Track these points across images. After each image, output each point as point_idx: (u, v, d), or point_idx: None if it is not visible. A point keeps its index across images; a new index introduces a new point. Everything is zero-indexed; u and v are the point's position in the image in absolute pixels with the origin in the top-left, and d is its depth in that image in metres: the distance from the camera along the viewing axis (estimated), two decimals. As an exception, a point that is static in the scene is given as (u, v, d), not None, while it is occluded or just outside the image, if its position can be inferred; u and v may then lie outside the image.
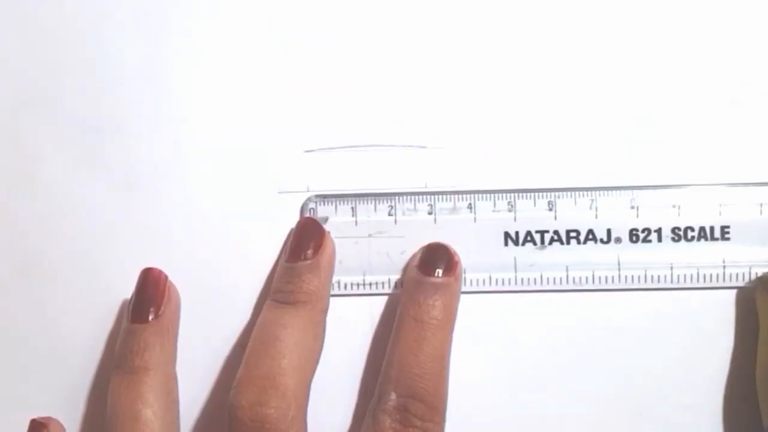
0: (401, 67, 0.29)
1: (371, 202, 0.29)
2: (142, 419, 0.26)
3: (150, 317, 0.27)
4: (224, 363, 0.30)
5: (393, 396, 0.26)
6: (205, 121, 0.30)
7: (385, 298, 0.29)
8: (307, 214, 0.29)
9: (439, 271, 0.28)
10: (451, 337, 0.27)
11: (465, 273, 0.29)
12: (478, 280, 0.29)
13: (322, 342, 0.28)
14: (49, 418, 0.29)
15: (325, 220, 0.29)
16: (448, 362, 0.27)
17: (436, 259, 0.28)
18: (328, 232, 0.29)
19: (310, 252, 0.28)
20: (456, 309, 0.28)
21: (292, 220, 0.29)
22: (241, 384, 0.26)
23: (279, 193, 0.30)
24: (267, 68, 0.30)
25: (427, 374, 0.26)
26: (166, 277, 0.29)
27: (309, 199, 0.29)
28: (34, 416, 0.29)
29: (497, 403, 0.29)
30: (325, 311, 0.28)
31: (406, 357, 0.26)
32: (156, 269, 0.29)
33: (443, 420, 0.26)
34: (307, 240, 0.28)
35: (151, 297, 0.28)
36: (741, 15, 0.29)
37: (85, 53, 0.30)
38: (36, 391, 0.30)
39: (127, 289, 0.29)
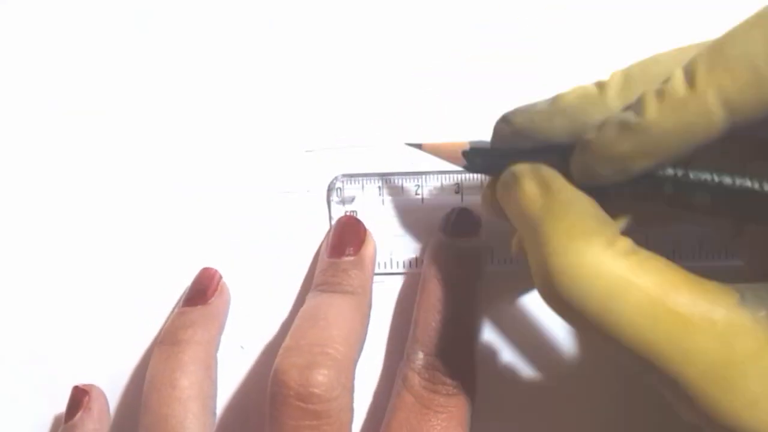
0: (401, 67, 0.29)
1: (398, 181, 0.29)
2: (178, 387, 0.26)
3: (200, 303, 0.28)
4: (225, 364, 0.29)
5: (420, 355, 0.26)
6: (205, 121, 0.30)
7: (411, 276, 0.29)
8: (335, 194, 0.29)
9: (463, 233, 0.28)
10: (478, 299, 0.27)
11: (493, 253, 0.29)
12: (507, 259, 0.29)
13: (366, 333, 0.27)
14: (91, 385, 0.29)
15: (352, 199, 0.29)
16: (475, 321, 0.27)
17: (459, 220, 0.28)
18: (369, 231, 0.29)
19: (352, 249, 0.28)
20: (480, 270, 0.28)
21: (292, 220, 0.29)
22: (289, 349, 0.25)
23: (279, 193, 0.30)
24: (267, 68, 0.30)
25: (452, 331, 0.26)
26: (220, 276, 0.29)
27: (336, 179, 0.29)
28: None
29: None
30: (370, 306, 0.28)
31: (431, 315, 0.27)
32: (212, 268, 0.29)
33: (474, 377, 0.26)
34: (349, 236, 0.28)
35: (204, 287, 0.29)
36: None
37: (85, 52, 0.30)
38: (36, 390, 0.30)
39: (127, 288, 0.30)
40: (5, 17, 0.30)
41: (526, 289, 0.29)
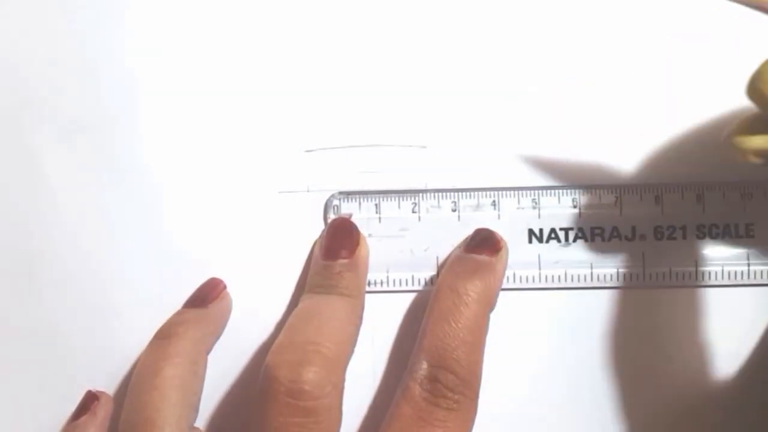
0: (401, 67, 0.30)
1: (395, 199, 0.29)
2: (161, 376, 0.26)
3: (199, 306, 0.29)
4: (225, 365, 0.29)
5: (424, 365, 0.26)
6: (205, 120, 0.30)
7: (409, 295, 0.29)
8: (331, 211, 0.29)
9: (482, 249, 0.28)
10: (488, 316, 0.27)
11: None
12: (502, 277, 0.29)
13: (358, 335, 0.27)
14: (102, 392, 0.29)
15: (349, 216, 0.29)
16: (482, 340, 0.26)
17: (481, 241, 0.28)
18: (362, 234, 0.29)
19: (345, 252, 0.28)
20: (496, 291, 0.27)
21: (292, 220, 0.29)
22: (282, 346, 0.25)
23: (279, 193, 0.30)
24: (267, 68, 0.30)
25: (459, 345, 0.26)
26: (225, 286, 0.29)
27: (333, 196, 0.29)
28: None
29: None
30: (362, 309, 0.28)
31: (440, 325, 0.26)
32: (219, 278, 0.30)
33: (476, 396, 0.26)
34: (343, 240, 0.28)
35: (205, 293, 0.29)
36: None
37: (85, 53, 0.30)
38: (36, 390, 0.30)
39: (127, 288, 0.29)
40: (5, 17, 0.30)
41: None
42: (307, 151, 0.30)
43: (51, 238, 0.30)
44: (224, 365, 0.29)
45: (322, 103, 0.30)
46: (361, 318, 0.28)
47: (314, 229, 0.30)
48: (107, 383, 0.29)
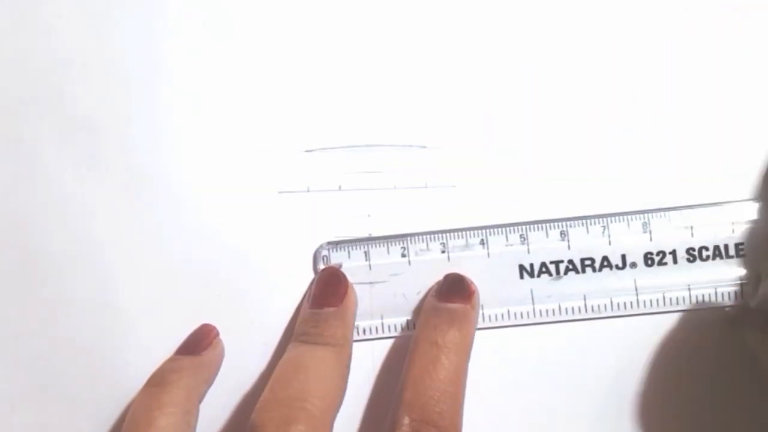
0: (401, 67, 0.30)
1: (383, 245, 0.29)
2: (154, 426, 0.26)
3: (192, 353, 0.29)
4: (227, 367, 0.29)
5: (406, 420, 0.25)
6: (205, 120, 0.30)
7: (404, 339, 0.29)
8: (321, 261, 0.29)
9: (456, 298, 0.28)
10: (467, 366, 0.27)
11: (482, 309, 0.29)
12: (495, 315, 0.29)
13: (346, 385, 0.27)
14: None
15: (339, 266, 0.29)
16: (463, 390, 0.27)
17: (453, 288, 0.28)
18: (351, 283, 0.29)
19: (333, 300, 0.28)
20: (472, 338, 0.28)
21: (292, 220, 0.29)
22: (268, 403, 0.25)
23: (279, 193, 0.30)
24: (267, 68, 0.30)
25: (441, 398, 0.26)
26: (217, 332, 0.29)
27: (321, 247, 0.29)
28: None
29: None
30: (350, 358, 0.28)
31: (421, 380, 0.26)
32: (211, 325, 0.29)
33: None
34: (331, 288, 0.28)
35: (198, 340, 0.29)
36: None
37: (85, 53, 0.30)
38: (37, 390, 0.30)
39: (126, 288, 0.29)
40: (5, 17, 0.30)
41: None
42: (307, 151, 0.30)
43: (50, 239, 0.30)
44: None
45: (322, 103, 0.30)
46: (348, 368, 0.27)
47: (314, 229, 0.30)
48: (107, 383, 0.29)
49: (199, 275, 0.30)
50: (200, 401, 0.28)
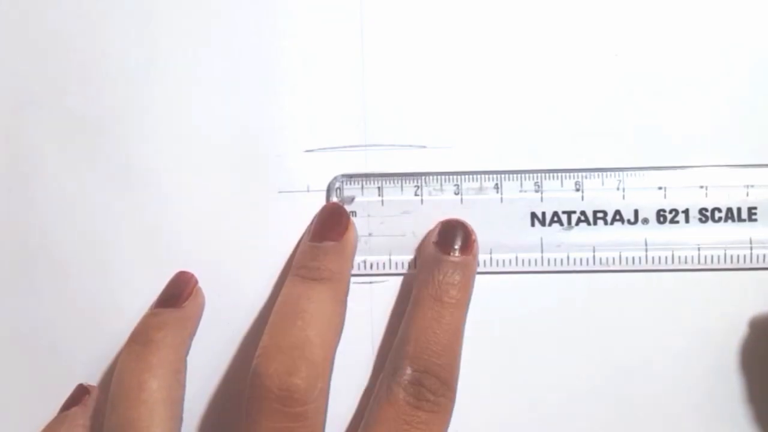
0: (401, 67, 0.30)
1: (398, 182, 0.29)
2: (146, 390, 0.26)
3: (174, 305, 0.28)
4: (228, 363, 0.30)
5: (408, 371, 0.26)
6: (205, 120, 0.30)
7: (410, 277, 0.29)
8: (334, 194, 0.29)
9: (457, 249, 0.28)
10: (466, 314, 0.28)
11: (491, 253, 0.29)
12: (504, 261, 0.29)
13: (344, 321, 0.28)
14: (94, 387, 0.29)
15: (352, 199, 0.29)
16: (461, 339, 0.27)
17: (454, 236, 0.28)
18: (352, 220, 0.29)
19: (334, 234, 0.28)
20: (472, 287, 0.28)
21: (293, 220, 0.29)
22: (269, 352, 0.26)
23: (279, 193, 0.30)
24: (267, 68, 0.30)
25: (443, 351, 0.26)
26: (196, 280, 0.29)
27: (335, 179, 0.29)
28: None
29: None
30: (347, 293, 0.28)
31: (424, 334, 0.26)
32: (189, 272, 0.29)
33: (455, 395, 0.27)
34: (332, 223, 0.28)
35: (178, 290, 0.29)
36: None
37: (85, 53, 0.30)
38: (37, 390, 0.30)
39: (127, 287, 0.30)
40: (5, 17, 0.30)
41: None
42: (307, 151, 0.30)
43: (50, 238, 0.30)
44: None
45: (322, 103, 0.30)
46: (345, 303, 0.28)
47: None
48: (106, 383, 0.29)
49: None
50: (187, 354, 0.28)
